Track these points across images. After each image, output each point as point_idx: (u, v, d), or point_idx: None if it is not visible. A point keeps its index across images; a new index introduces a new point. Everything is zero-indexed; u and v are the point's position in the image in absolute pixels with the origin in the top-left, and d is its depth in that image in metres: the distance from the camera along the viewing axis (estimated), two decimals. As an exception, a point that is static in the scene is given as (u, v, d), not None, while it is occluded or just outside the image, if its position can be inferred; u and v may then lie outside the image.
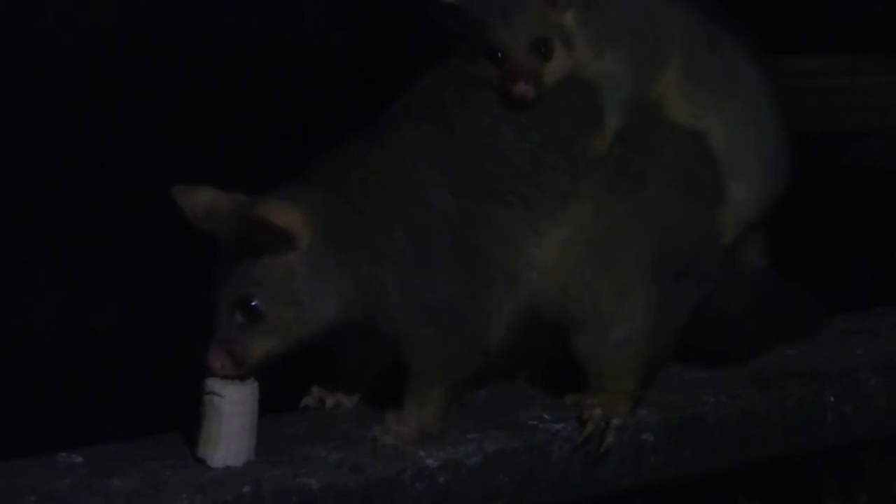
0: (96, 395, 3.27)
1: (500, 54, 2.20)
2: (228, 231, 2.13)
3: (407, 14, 2.32)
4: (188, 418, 2.17)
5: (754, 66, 2.37)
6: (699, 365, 2.46)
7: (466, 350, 2.21)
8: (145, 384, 3.20)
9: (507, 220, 2.23)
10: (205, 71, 5.34)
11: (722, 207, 2.34)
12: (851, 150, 5.12)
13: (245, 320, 2.13)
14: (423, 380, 2.21)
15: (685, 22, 2.31)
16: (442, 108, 2.26)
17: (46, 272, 3.91)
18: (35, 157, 4.67)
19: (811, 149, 4.67)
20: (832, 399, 2.46)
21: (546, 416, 2.30)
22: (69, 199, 4.38)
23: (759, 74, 2.37)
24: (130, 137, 4.87)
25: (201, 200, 2.16)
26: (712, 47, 2.33)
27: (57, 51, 5.29)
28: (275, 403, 2.23)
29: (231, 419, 2.13)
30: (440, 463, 2.17)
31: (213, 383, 2.14)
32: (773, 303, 2.47)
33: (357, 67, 5.23)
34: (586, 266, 2.27)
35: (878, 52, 5.82)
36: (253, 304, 2.12)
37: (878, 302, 2.86)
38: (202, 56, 5.37)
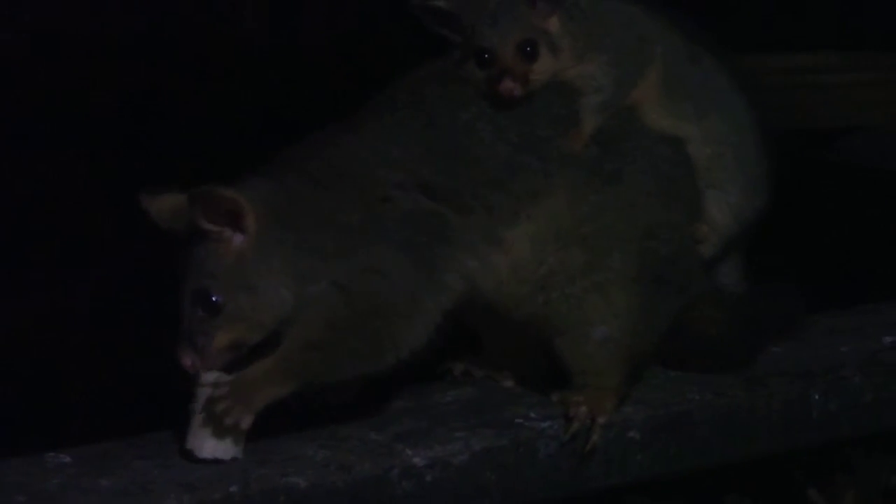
0: (84, 394, 3.27)
1: (487, 55, 2.26)
2: (185, 228, 2.15)
3: (399, 14, 2.33)
4: (176, 417, 2.18)
5: (736, 87, 2.42)
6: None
7: (372, 345, 2.19)
8: (133, 383, 3.20)
9: (462, 226, 2.25)
10: (200, 71, 5.35)
11: (701, 220, 2.37)
12: (834, 147, 5.14)
13: (205, 313, 2.14)
14: (298, 349, 2.17)
15: (666, 35, 2.37)
16: (423, 102, 2.29)
17: (32, 272, 3.90)
18: (24, 158, 4.67)
19: (794, 144, 4.68)
20: (817, 397, 2.47)
21: (532, 415, 2.31)
22: (52, 198, 4.37)
23: (742, 96, 2.42)
24: (128, 138, 4.87)
25: (166, 205, 2.18)
26: (693, 61, 2.39)
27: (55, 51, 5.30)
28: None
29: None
30: (427, 461, 2.18)
31: (207, 376, 2.15)
32: (753, 323, 2.49)
33: (352, 68, 5.24)
34: (567, 266, 2.28)
35: (863, 49, 5.84)
36: (210, 295, 2.14)
37: (862, 298, 2.88)
38: (197, 56, 5.38)
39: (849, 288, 2.96)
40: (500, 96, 2.25)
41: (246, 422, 2.13)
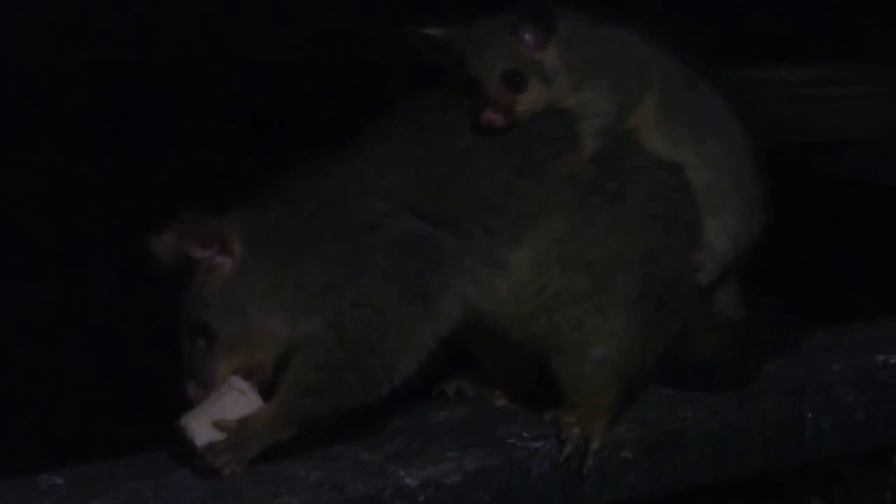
0: (77, 416, 3.27)
1: (473, 85, 2.27)
2: (179, 263, 2.18)
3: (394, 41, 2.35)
4: (168, 439, 2.18)
5: (732, 111, 2.42)
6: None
7: (367, 379, 2.20)
8: (125, 405, 3.20)
9: (461, 251, 2.25)
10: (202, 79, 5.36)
11: (698, 246, 2.37)
12: (827, 160, 5.15)
13: (204, 343, 2.17)
14: (297, 394, 2.19)
15: (663, 60, 2.37)
16: (419, 130, 2.29)
17: (23, 292, 3.91)
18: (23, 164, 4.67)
19: (787, 158, 4.69)
20: (810, 415, 2.47)
21: (525, 434, 2.31)
22: (47, 222, 4.38)
23: (738, 123, 2.42)
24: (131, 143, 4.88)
25: (167, 244, 2.19)
26: (689, 87, 2.39)
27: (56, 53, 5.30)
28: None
29: (237, 410, 2.16)
30: (420, 482, 2.18)
31: (235, 380, 2.17)
32: (749, 349, 2.49)
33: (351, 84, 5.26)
34: (572, 291, 2.28)
35: (858, 62, 5.85)
36: (204, 324, 2.16)
37: (856, 311, 2.88)
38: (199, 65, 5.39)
39: (842, 304, 2.96)
40: (481, 125, 2.25)
41: (242, 466, 2.15)
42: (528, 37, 2.27)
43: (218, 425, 2.15)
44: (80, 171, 4.70)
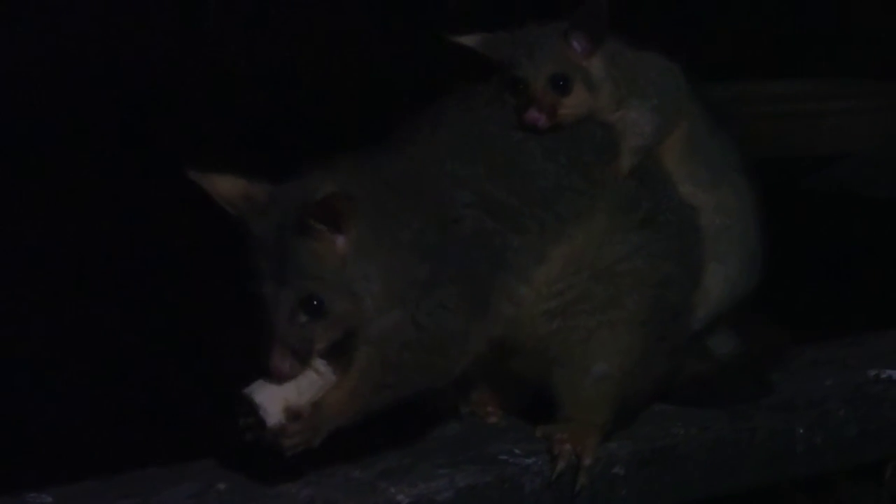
0: (66, 433, 3.26)
1: (520, 85, 2.33)
2: (268, 223, 2.10)
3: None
4: (158, 456, 2.17)
5: (743, 168, 2.47)
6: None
7: (428, 379, 2.20)
8: (115, 422, 3.19)
9: (520, 247, 2.25)
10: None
11: (697, 290, 2.39)
12: (819, 174, 5.16)
13: (308, 317, 2.10)
14: (373, 389, 2.16)
15: (695, 99, 2.44)
16: (476, 119, 2.31)
17: (13, 307, 3.91)
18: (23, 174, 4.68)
19: (775, 172, 4.69)
20: (802, 430, 2.47)
21: (517, 450, 2.30)
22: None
23: (748, 180, 2.47)
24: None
25: (232, 188, 2.13)
26: (712, 134, 2.45)
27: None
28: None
29: (312, 391, 2.12)
30: (411, 499, 2.17)
31: (319, 362, 2.12)
32: (739, 383, 2.50)
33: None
34: (592, 298, 2.29)
35: (846, 77, 5.87)
36: (316, 299, 2.09)
37: (846, 326, 2.88)
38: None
39: (833, 319, 2.96)
40: (524, 125, 2.30)
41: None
42: (577, 43, 2.34)
43: (290, 410, 2.09)
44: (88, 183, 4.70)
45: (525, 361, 2.34)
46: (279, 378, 2.09)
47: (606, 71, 2.35)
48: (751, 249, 2.45)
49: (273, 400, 2.10)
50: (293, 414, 2.10)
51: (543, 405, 2.34)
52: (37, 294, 4.01)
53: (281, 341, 2.09)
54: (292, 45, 6.05)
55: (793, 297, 3.35)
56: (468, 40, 2.37)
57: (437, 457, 2.28)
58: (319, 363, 2.13)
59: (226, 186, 2.13)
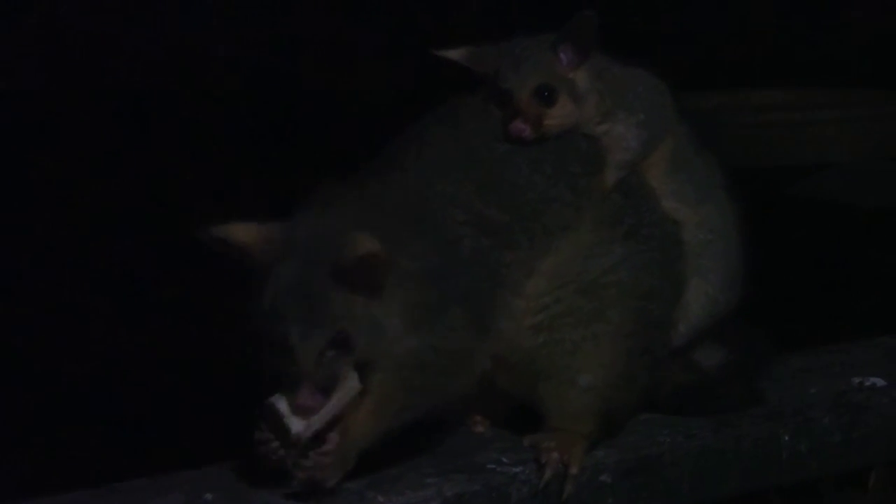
0: (51, 444, 3.26)
1: (505, 96, 2.34)
2: (292, 266, 2.10)
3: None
4: (145, 467, 2.17)
5: (725, 188, 2.49)
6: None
7: (431, 401, 2.21)
8: (102, 433, 3.19)
9: (512, 264, 2.27)
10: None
11: (679, 304, 2.41)
12: (807, 183, 5.17)
13: (336, 354, 2.11)
14: (394, 414, 2.18)
15: (680, 116, 2.45)
16: (459, 134, 2.32)
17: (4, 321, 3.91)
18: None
19: (763, 181, 4.71)
20: (787, 437, 2.48)
21: (504, 460, 2.31)
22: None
23: (730, 197, 2.48)
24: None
25: (248, 235, 2.14)
26: (697, 153, 2.47)
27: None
28: (231, 450, 2.23)
29: (343, 410, 2.13)
30: (398, 509, 2.18)
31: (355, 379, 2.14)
32: (726, 393, 2.51)
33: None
34: (577, 312, 2.30)
35: (834, 86, 5.89)
36: (348, 338, 2.11)
37: (832, 335, 2.89)
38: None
39: (818, 327, 2.97)
40: (510, 136, 2.31)
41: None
42: (564, 55, 2.35)
43: (318, 436, 2.11)
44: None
45: (510, 374, 2.34)
46: (307, 413, 2.11)
47: (592, 83, 2.36)
48: (733, 267, 2.46)
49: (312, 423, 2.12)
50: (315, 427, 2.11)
51: (529, 415, 2.35)
52: (22, 301, 4.01)
53: (308, 378, 2.11)
54: (287, 51, 6.07)
55: (778, 306, 3.36)
56: (454, 54, 2.38)
57: (425, 466, 2.28)
58: (358, 385, 2.15)
59: (242, 235, 2.14)
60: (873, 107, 5.50)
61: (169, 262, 4.51)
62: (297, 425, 2.12)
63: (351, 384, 2.15)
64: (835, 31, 6.59)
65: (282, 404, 2.13)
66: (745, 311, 2.50)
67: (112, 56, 5.73)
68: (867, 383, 2.62)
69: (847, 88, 5.82)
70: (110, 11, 5.71)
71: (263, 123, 5.63)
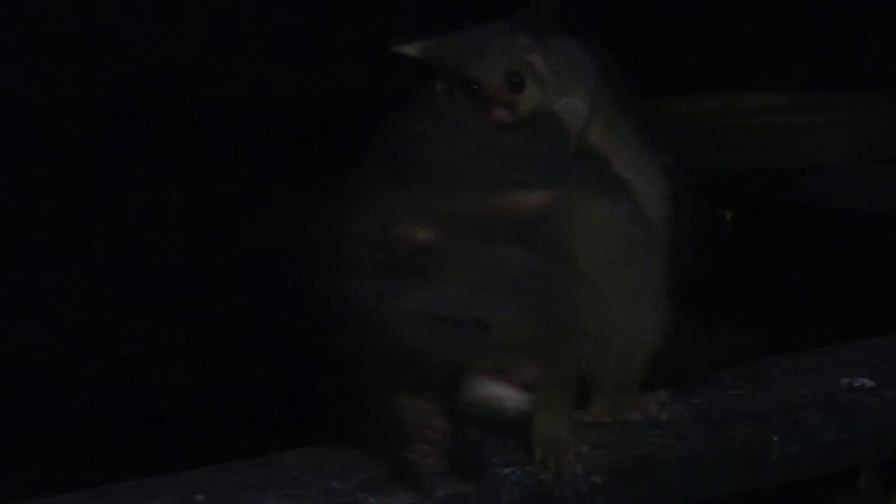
0: (40, 447, 3.25)
1: (475, 86, 2.35)
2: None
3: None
4: (139, 469, 2.18)
5: (657, 148, 2.48)
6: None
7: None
8: (96, 435, 3.19)
9: None
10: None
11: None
12: (795, 187, 5.18)
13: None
14: None
15: (610, 79, 2.46)
16: (412, 140, 2.31)
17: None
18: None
19: (755, 184, 4.72)
20: (777, 438, 2.49)
21: (495, 460, 2.31)
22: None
23: (662, 158, 2.48)
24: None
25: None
26: (626, 111, 2.46)
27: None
28: (222, 451, 2.24)
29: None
30: (390, 510, 2.18)
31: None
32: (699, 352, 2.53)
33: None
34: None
35: (827, 89, 5.90)
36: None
37: (820, 337, 2.90)
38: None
39: (807, 329, 2.98)
40: (490, 123, 2.33)
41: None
42: (522, 40, 2.37)
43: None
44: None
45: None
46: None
47: (547, 65, 2.38)
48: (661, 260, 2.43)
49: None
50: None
51: (523, 418, 2.36)
52: (17, 303, 4.01)
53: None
54: (283, 51, 6.08)
55: (767, 308, 3.37)
56: (409, 49, 2.39)
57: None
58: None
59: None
60: (863, 109, 5.52)
61: (167, 263, 4.51)
62: (511, 401, 2.13)
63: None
64: (828, 34, 6.61)
65: (488, 389, 2.12)
66: (733, 312, 2.51)
67: (97, 59, 5.73)
68: (856, 384, 2.63)
69: (837, 91, 5.84)
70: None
71: (263, 123, 5.64)
